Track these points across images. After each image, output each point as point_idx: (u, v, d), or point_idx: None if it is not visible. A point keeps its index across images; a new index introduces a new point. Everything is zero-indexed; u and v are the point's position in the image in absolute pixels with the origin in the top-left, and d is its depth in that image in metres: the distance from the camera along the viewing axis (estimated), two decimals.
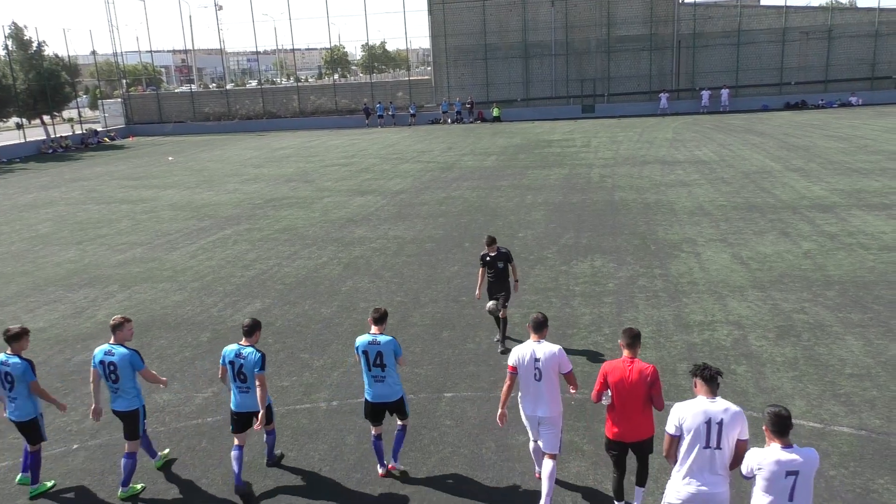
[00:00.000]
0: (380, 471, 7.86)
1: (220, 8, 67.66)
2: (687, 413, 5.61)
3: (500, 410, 7.24)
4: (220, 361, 7.75)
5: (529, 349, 6.99)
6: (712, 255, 15.50)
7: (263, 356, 7.56)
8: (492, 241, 11.09)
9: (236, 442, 7.71)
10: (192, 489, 7.78)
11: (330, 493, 7.59)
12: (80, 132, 53.90)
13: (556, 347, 6.95)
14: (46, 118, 52.09)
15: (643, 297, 13.03)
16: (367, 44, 79.74)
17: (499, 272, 11.16)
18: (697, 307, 12.41)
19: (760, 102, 50.53)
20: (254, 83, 75.08)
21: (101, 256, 18.41)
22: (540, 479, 7.22)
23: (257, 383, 7.48)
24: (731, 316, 11.90)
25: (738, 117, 45.72)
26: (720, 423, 5.51)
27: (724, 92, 49.73)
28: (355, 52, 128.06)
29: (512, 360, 7.05)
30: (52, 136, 51.02)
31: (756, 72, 51.29)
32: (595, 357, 10.60)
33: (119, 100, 61.97)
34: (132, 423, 7.66)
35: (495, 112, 52.09)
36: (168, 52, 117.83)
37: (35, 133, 52.71)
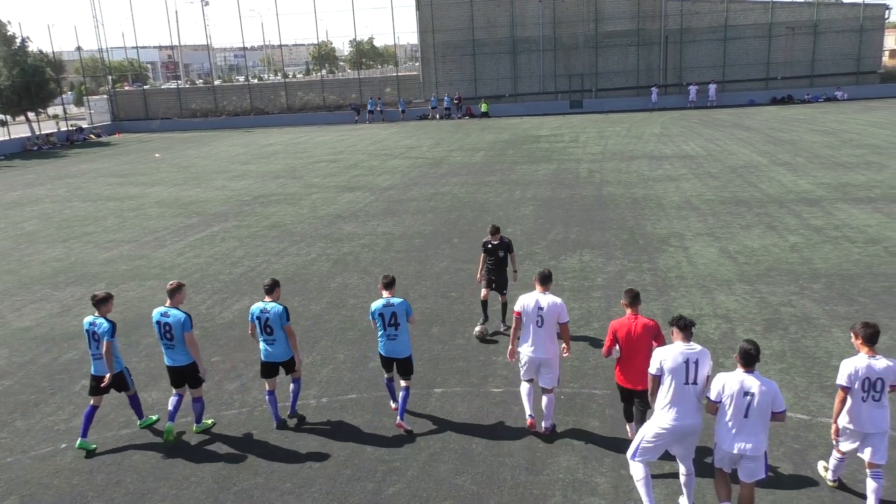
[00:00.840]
0: (392, 405, 9.03)
1: (207, 3, 67.16)
2: (668, 355, 6.57)
3: (510, 348, 8.52)
4: (249, 319, 8.78)
5: (534, 298, 8.15)
6: (700, 249, 15.59)
7: (286, 309, 8.59)
8: (496, 231, 11.42)
9: (267, 388, 8.88)
10: (181, 487, 7.75)
11: (320, 489, 7.58)
12: (66, 129, 53.43)
13: (558, 299, 8.15)
14: (31, 115, 51.56)
15: None
16: (354, 39, 79.53)
17: (499, 260, 11.46)
18: (685, 301, 12.47)
19: (747, 97, 50.80)
20: (241, 79, 74.71)
21: (87, 254, 18.28)
22: (531, 427, 8.28)
23: (287, 334, 8.58)
24: (718, 309, 11.97)
25: (725, 112, 45.95)
26: (696, 363, 6.48)
27: (712, 87, 49.96)
28: (343, 47, 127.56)
29: (518, 306, 8.22)
30: (37, 133, 50.55)
31: (742, 67, 51.55)
32: (585, 351, 10.63)
33: (105, 96, 61.47)
34: (192, 373, 8.59)
35: (483, 108, 52.08)
36: (154, 48, 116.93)
37: (20, 130, 52.22)
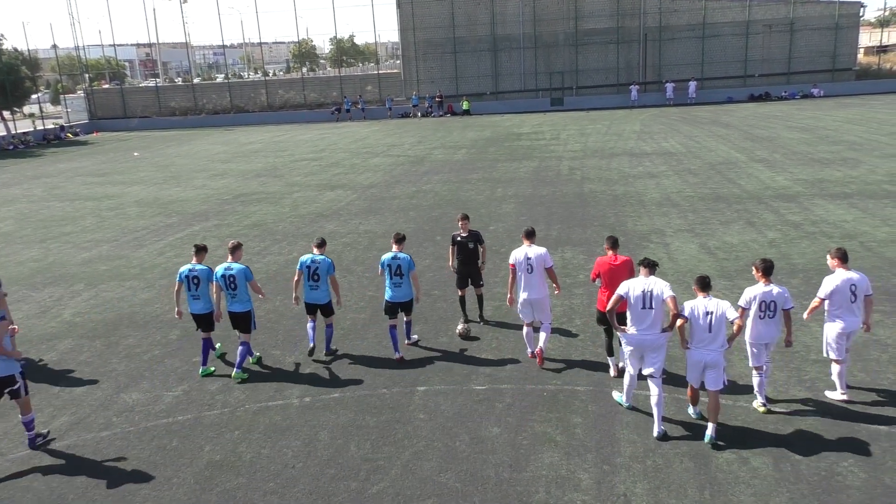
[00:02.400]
0: (396, 356, 10.50)
1: (185, 1, 66.51)
2: (632, 285, 8.31)
3: (508, 296, 10.15)
4: (298, 267, 10.56)
5: (523, 251, 9.87)
6: (680, 245, 15.72)
7: (333, 262, 10.63)
8: (465, 217, 11.51)
9: (310, 320, 10.68)
10: (163, 489, 7.69)
11: (304, 489, 7.56)
12: (42, 128, 52.69)
13: (542, 249, 9.88)
14: (6, 114, 50.78)
15: None
16: (335, 37, 79.07)
17: (469, 253, 11.50)
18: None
19: (725, 94, 51.27)
20: (221, 77, 74.08)
21: (65, 254, 18.05)
22: (532, 357, 10.18)
23: (330, 283, 10.52)
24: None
25: (704, 109, 46.34)
26: (651, 292, 8.17)
27: (692, 84, 50.35)
28: (324, 45, 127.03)
29: (511, 259, 9.93)
30: (13, 132, 49.79)
31: (721, 64, 52.01)
32: (568, 348, 10.69)
33: (82, 95, 60.70)
34: (246, 321, 10.21)
35: (465, 105, 52.10)
36: (132, 45, 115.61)
37: None
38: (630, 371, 8.60)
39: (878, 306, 11.56)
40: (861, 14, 51.84)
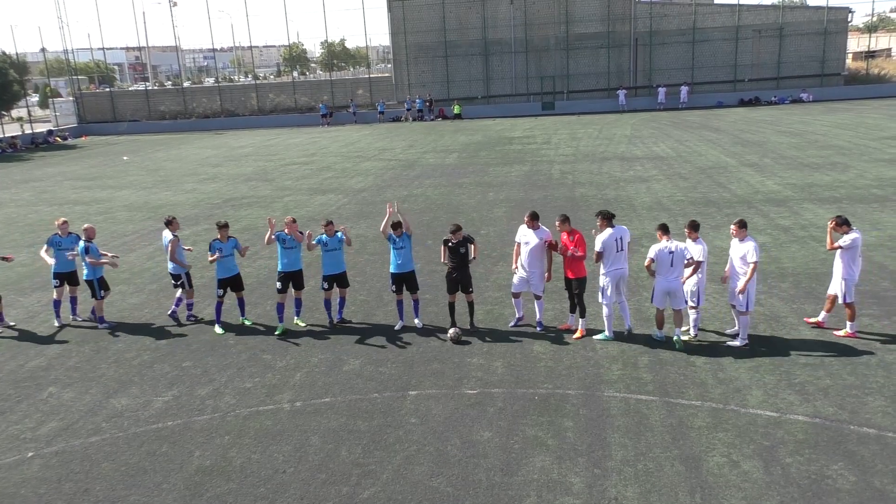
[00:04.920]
0: (398, 326, 11.99)
1: (175, 4, 66.37)
2: (604, 237, 10.68)
3: (513, 266, 11.70)
4: (315, 241, 12.23)
5: (525, 231, 11.41)
6: None
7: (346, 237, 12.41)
8: (457, 229, 11.62)
9: (326, 296, 12.36)
10: (153, 495, 7.63)
11: (294, 494, 7.52)
12: (31, 132, 52.36)
13: (546, 231, 11.45)
14: None
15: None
16: (326, 41, 79.03)
17: (462, 258, 11.56)
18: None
19: (715, 99, 51.57)
20: (211, 81, 73.89)
21: None
22: (520, 319, 11.86)
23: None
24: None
25: (695, 114, 46.58)
26: (620, 238, 10.70)
27: (684, 89, 50.63)
28: (314, 49, 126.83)
29: (517, 237, 11.54)
30: (1, 135, 49.46)
31: (711, 69, 52.33)
32: (559, 352, 10.69)
33: (71, 98, 60.39)
34: (300, 278, 12.38)
35: (456, 109, 52.16)
36: (121, 49, 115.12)
37: None
38: (607, 312, 10.92)
39: (867, 310, 11.64)
40: (849, 19, 52.27)
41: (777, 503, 6.93)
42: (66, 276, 13.21)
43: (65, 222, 13.40)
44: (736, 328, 10.82)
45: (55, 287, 13.19)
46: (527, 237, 11.36)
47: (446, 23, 53.12)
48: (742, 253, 10.40)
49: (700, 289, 10.78)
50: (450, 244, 11.54)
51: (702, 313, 11.14)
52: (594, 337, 11.05)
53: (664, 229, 10.59)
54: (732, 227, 10.69)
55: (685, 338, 10.73)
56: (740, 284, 10.34)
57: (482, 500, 7.24)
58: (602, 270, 10.79)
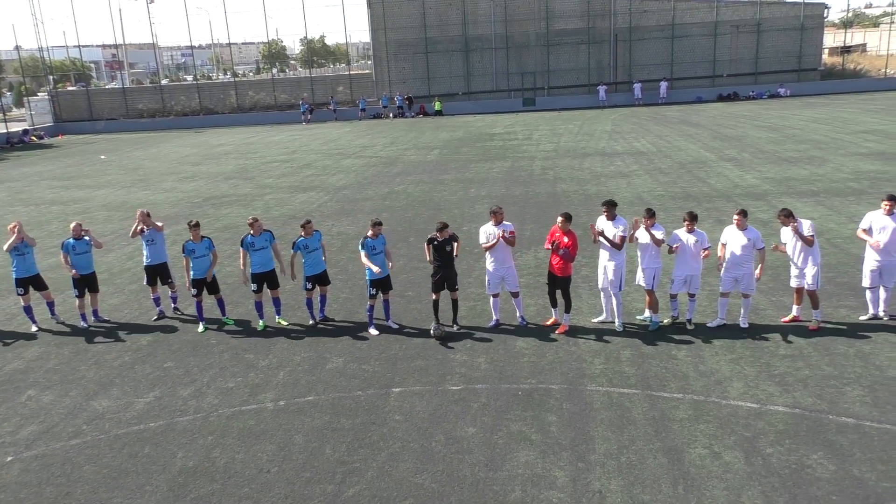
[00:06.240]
0: (372, 331, 11.71)
1: (152, 1, 65.59)
2: (600, 224, 11.16)
3: (489, 245, 11.42)
4: (293, 249, 12.11)
5: (492, 228, 11.36)
6: None
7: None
8: (444, 227, 11.56)
9: (308, 296, 12.26)
10: (135, 497, 7.57)
11: (279, 493, 7.49)
12: (6, 131, 51.57)
13: (509, 224, 11.49)
14: None
15: (587, 287, 13.26)
16: (305, 37, 78.64)
17: (447, 256, 11.52)
18: (639, 295, 12.68)
19: (695, 94, 51.95)
20: (189, 78, 73.19)
21: None
22: (497, 323, 11.69)
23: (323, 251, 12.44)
24: (666, 303, 12.19)
25: (674, 109, 46.92)
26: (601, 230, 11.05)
27: (663, 84, 50.97)
28: (294, 46, 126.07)
29: (482, 238, 11.51)
30: None
31: (690, 64, 52.70)
32: (542, 347, 10.74)
33: (46, 97, 59.54)
34: (274, 278, 12.37)
35: (437, 106, 52.11)
36: (97, 46, 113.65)
37: None
38: (604, 297, 11.50)
39: (843, 301, 11.81)
40: (825, 15, 52.90)
41: (758, 493, 7.02)
42: (29, 282, 12.82)
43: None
44: (720, 319, 11.17)
45: (20, 295, 12.83)
46: (492, 234, 11.33)
47: (426, 19, 53.01)
48: (745, 241, 10.74)
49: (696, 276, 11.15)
50: (436, 242, 11.49)
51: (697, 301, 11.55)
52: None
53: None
54: (736, 216, 10.85)
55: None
56: (758, 271, 10.94)
57: (467, 495, 7.26)
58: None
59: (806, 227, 10.64)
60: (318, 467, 7.91)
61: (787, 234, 10.89)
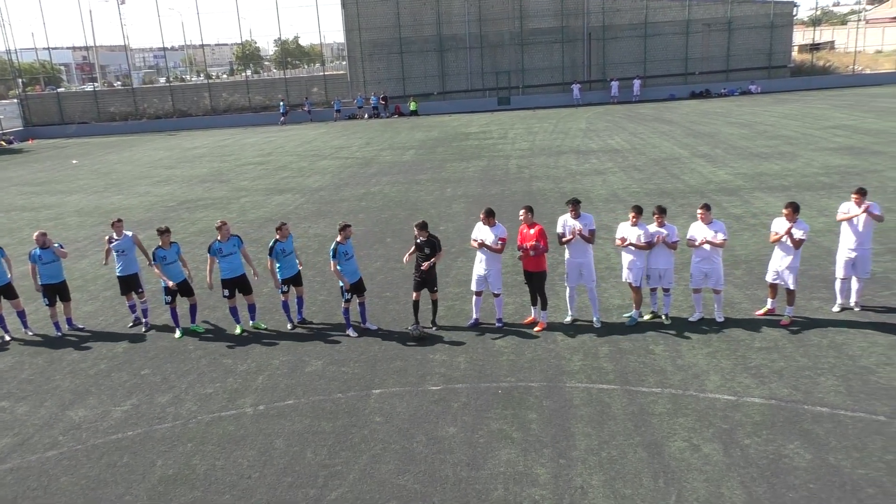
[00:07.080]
0: (351, 333, 11.63)
1: (123, 2, 64.64)
2: (564, 220, 11.12)
3: (480, 244, 11.32)
4: (270, 255, 11.95)
5: (481, 230, 11.33)
6: None
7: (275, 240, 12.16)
8: (423, 226, 11.56)
9: (284, 298, 12.28)
10: None
11: (261, 499, 7.44)
12: None
13: (502, 227, 11.36)
14: None
15: (563, 284, 13.31)
16: (279, 38, 78.05)
17: (428, 257, 11.48)
18: (616, 291, 12.80)
19: (667, 92, 52.46)
20: (162, 81, 72.37)
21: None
22: (476, 322, 11.69)
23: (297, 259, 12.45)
24: (647, 298, 12.31)
25: (648, 106, 47.33)
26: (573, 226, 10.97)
27: (636, 82, 51.39)
28: (268, 47, 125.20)
29: (474, 235, 11.45)
30: None
31: (663, 62, 53.21)
32: (521, 346, 10.78)
33: (15, 100, 58.51)
34: (246, 283, 12.23)
35: (412, 106, 52.05)
36: (68, 48, 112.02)
37: None
38: (570, 294, 11.51)
39: (816, 293, 12.00)
40: (794, 13, 53.67)
41: (738, 484, 7.12)
42: (0, 291, 12.68)
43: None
44: (699, 313, 11.38)
45: None
46: (483, 235, 11.30)
47: (401, 19, 52.94)
48: (711, 235, 10.88)
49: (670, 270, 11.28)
50: (417, 241, 11.49)
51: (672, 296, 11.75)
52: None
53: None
54: (699, 211, 11.01)
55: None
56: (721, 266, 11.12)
57: (450, 495, 7.27)
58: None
59: (801, 231, 10.63)
60: (300, 471, 7.88)
61: (779, 223, 10.88)
